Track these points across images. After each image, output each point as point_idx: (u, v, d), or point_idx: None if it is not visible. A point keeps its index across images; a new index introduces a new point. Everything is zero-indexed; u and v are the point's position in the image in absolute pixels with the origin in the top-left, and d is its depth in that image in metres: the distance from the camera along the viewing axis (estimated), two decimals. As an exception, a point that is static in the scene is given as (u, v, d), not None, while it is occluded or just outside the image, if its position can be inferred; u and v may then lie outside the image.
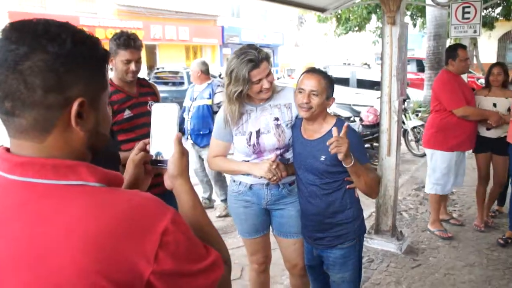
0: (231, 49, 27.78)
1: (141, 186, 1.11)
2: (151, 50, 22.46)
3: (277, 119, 2.32)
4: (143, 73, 16.79)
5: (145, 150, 1.11)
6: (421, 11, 12.93)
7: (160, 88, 11.50)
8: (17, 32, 0.75)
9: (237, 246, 4.01)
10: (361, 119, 6.60)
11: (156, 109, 1.12)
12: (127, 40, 2.54)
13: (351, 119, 7.62)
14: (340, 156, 1.98)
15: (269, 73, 2.23)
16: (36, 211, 0.73)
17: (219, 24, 26.24)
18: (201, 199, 5.27)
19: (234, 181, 2.49)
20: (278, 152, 2.34)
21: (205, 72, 4.76)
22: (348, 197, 2.24)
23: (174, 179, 1.04)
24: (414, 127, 7.66)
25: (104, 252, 0.71)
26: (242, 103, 2.31)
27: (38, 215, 0.73)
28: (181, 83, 11.00)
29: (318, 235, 2.31)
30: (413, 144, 7.78)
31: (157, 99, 2.87)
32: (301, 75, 2.24)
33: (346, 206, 2.24)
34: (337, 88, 9.98)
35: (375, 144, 6.47)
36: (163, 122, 1.10)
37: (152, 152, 1.10)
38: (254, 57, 2.15)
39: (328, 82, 2.18)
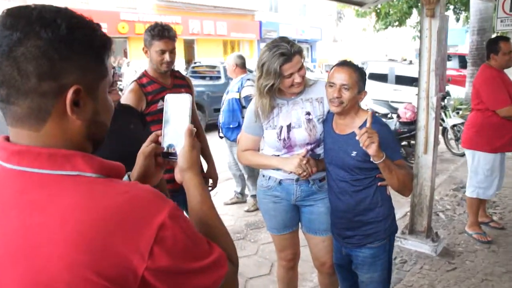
0: (268, 44, 27.72)
1: (151, 179, 1.08)
2: (189, 45, 22.72)
3: (308, 113, 2.27)
4: (181, 67, 17.01)
5: (157, 141, 1.08)
6: (465, 5, 12.44)
7: (197, 82, 11.55)
8: (11, 18, 0.73)
9: (267, 241, 3.98)
10: (398, 116, 6.41)
11: (169, 100, 1.09)
12: (161, 31, 2.55)
13: (388, 115, 7.42)
14: (371, 151, 1.89)
15: (301, 67, 2.18)
16: (32, 201, 0.72)
17: (257, 19, 26.22)
18: (233, 193, 5.30)
19: (263, 175, 2.46)
20: (309, 147, 2.29)
21: (241, 65, 4.72)
22: (380, 194, 2.16)
23: (183, 173, 1.01)
24: (454, 125, 7.39)
25: (95, 245, 0.68)
26: (273, 97, 2.26)
27: (34, 205, 0.71)
28: (218, 78, 11.02)
29: (347, 233, 2.25)
30: (452, 142, 7.51)
31: (191, 92, 2.86)
32: (332, 68, 2.18)
33: (377, 204, 2.16)
34: (375, 84, 9.82)
35: (412, 142, 6.26)
36: (176, 113, 1.08)
37: (164, 144, 1.07)
38: (287, 50, 2.10)
39: (360, 75, 2.11)
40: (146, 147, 1.08)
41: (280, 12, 28.72)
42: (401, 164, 2.08)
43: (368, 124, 1.93)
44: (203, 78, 11.64)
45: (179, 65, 18.07)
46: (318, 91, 2.29)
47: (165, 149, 1.07)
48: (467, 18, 14.14)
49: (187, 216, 0.84)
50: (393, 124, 6.28)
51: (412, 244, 3.79)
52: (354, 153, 2.09)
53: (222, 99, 4.85)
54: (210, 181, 3.05)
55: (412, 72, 10.65)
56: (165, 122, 1.08)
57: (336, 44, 33.43)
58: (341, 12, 30.67)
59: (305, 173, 2.18)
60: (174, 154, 1.05)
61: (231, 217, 4.81)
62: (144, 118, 2.61)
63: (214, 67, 11.55)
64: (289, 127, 2.27)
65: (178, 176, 1.04)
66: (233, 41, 25.18)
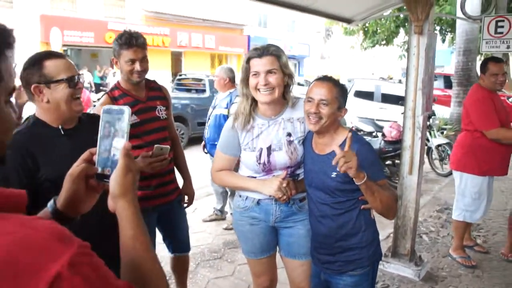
0: (256, 59, 27.73)
1: (82, 205, 0.93)
2: (177, 57, 22.60)
3: (289, 134, 2.15)
4: (167, 79, 16.85)
5: (91, 161, 0.92)
6: (451, 26, 12.57)
7: (182, 94, 11.39)
8: None
9: (244, 262, 3.79)
10: (383, 135, 6.33)
11: (106, 112, 0.93)
12: (129, 39, 2.40)
13: (373, 134, 7.34)
14: (350, 173, 1.77)
15: (273, 73, 2.03)
16: None
17: (245, 33, 26.26)
18: (212, 210, 5.11)
19: (240, 196, 2.31)
20: (289, 170, 2.16)
21: (232, 80, 4.56)
22: (363, 218, 2.02)
23: (115, 200, 0.86)
24: (439, 145, 7.35)
25: None
26: (253, 109, 2.16)
27: None
28: (203, 91, 10.86)
29: (327, 259, 2.10)
30: (437, 162, 7.46)
31: (167, 104, 2.71)
32: (311, 83, 2.05)
33: (360, 229, 2.03)
34: (361, 102, 9.75)
35: (397, 161, 6.17)
36: (113, 128, 0.92)
37: (98, 164, 0.92)
38: (261, 48, 2.04)
39: (340, 91, 1.99)
40: (76, 167, 0.92)
41: (269, 27, 28.84)
42: (384, 185, 1.96)
43: (346, 147, 1.81)
44: (188, 91, 11.50)
45: (165, 77, 17.94)
46: (300, 110, 2.16)
47: (99, 170, 0.91)
48: (452, 39, 14.33)
49: (101, 260, 0.67)
50: (378, 142, 6.19)
51: (395, 268, 3.65)
52: (334, 174, 1.97)
53: (208, 114, 4.68)
54: (186, 198, 2.89)
55: (398, 90, 10.65)
56: (101, 138, 0.93)
57: (324, 61, 33.61)
58: (330, 29, 30.92)
59: (284, 197, 2.06)
60: (110, 177, 0.90)
61: (209, 234, 4.63)
62: None
63: (200, 80, 11.41)
64: (269, 149, 2.13)
65: (110, 203, 0.88)
66: (221, 54, 25.13)
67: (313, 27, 31.07)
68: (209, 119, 4.60)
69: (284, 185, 2.04)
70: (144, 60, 2.47)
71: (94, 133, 1.82)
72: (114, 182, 0.86)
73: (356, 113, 9.28)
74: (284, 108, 2.17)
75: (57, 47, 13.87)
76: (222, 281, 3.61)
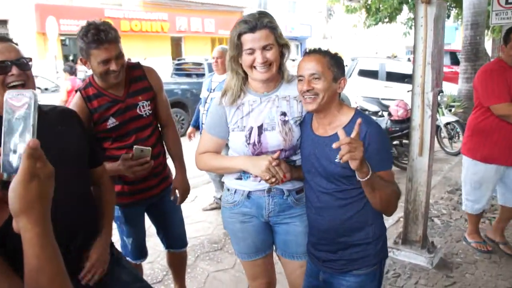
0: (257, 42, 27.33)
1: None
2: (177, 42, 22.25)
3: (284, 113, 1.89)
4: (168, 66, 16.52)
5: None
6: (456, 1, 12.13)
7: (181, 80, 11.15)
8: None
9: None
10: (389, 114, 6.05)
11: (9, 101, 0.71)
12: (97, 35, 1.99)
13: (379, 113, 7.07)
14: (353, 165, 1.52)
15: (269, 48, 1.78)
16: None
17: (245, 16, 25.78)
18: (213, 198, 4.89)
19: (228, 189, 2.07)
20: (283, 154, 1.91)
21: None
22: (370, 210, 1.76)
23: (16, 217, 0.65)
24: (448, 123, 7.07)
25: None
26: (243, 84, 1.91)
27: None
28: (203, 75, 10.58)
29: (328, 256, 1.86)
30: (446, 141, 7.20)
31: (152, 94, 2.35)
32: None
33: (366, 222, 1.78)
34: (365, 81, 9.53)
35: (404, 141, 5.92)
36: (17, 121, 0.70)
37: (4, 169, 0.69)
38: (252, 19, 1.74)
39: (332, 60, 1.74)
40: None
41: (269, 9, 28.29)
42: (388, 179, 1.70)
43: (354, 133, 1.54)
44: (188, 75, 11.23)
45: (166, 63, 17.62)
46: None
47: (5, 177, 0.69)
48: (458, 14, 13.86)
49: None
50: (384, 122, 5.93)
51: (406, 255, 3.42)
52: (338, 159, 1.66)
53: (204, 97, 4.41)
54: (177, 192, 2.58)
55: (403, 68, 10.34)
56: (5, 135, 0.70)
57: (326, 41, 33.03)
58: (331, 8, 30.31)
59: (273, 179, 1.79)
60: None
61: (209, 224, 4.41)
62: (94, 135, 2.19)
63: (199, 64, 11.12)
64: (260, 128, 1.88)
65: (14, 223, 0.66)
66: (221, 38, 24.67)
67: (314, 7, 30.51)
68: (205, 102, 4.34)
69: (274, 164, 1.78)
70: (119, 57, 2.09)
71: (53, 125, 1.63)
72: (12, 193, 0.64)
73: (361, 93, 9.02)
74: (279, 84, 1.93)
75: (53, 37, 13.60)
76: (222, 274, 3.40)
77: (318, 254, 1.90)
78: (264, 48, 1.76)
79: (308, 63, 1.73)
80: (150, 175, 2.36)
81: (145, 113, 2.31)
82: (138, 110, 2.27)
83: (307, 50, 1.80)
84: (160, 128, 2.51)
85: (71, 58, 17.66)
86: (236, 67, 1.87)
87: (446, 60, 14.91)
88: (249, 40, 1.75)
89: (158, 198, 2.48)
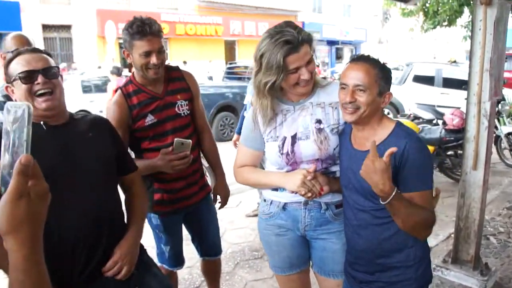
0: (311, 46, 27.13)
1: None
2: (231, 46, 22.52)
3: (319, 121, 1.79)
4: (221, 69, 16.73)
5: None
6: (524, 2, 11.40)
7: (232, 83, 11.23)
8: None
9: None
10: (444, 123, 5.73)
11: (9, 112, 0.67)
12: (141, 26, 2.04)
13: (434, 121, 6.74)
14: (373, 187, 1.44)
15: (310, 61, 1.70)
16: None
17: (299, 20, 25.63)
18: (257, 205, 4.82)
19: (264, 200, 1.98)
20: (319, 165, 1.80)
21: None
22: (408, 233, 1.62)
23: (3, 237, 0.60)
24: (509, 134, 6.62)
25: None
26: (276, 98, 1.80)
27: None
28: (253, 79, 10.62)
29: (365, 277, 1.73)
30: (507, 153, 6.74)
31: (190, 96, 2.34)
32: (346, 65, 1.69)
33: (406, 243, 1.63)
34: (420, 87, 9.15)
35: (459, 151, 5.58)
36: (13, 134, 0.66)
37: (2, 183, 0.64)
38: (293, 37, 1.63)
39: (381, 72, 1.61)
40: None
41: (323, 12, 28.03)
42: (423, 202, 1.55)
43: (385, 157, 1.44)
44: (240, 79, 11.26)
45: (219, 66, 17.83)
46: (333, 94, 1.79)
47: (2, 191, 0.63)
48: (525, 16, 13.03)
49: None
50: (438, 131, 5.63)
51: (456, 276, 3.18)
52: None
53: (249, 102, 4.36)
54: (219, 197, 2.59)
55: (461, 74, 9.83)
56: (4, 147, 0.66)
57: (382, 45, 32.25)
58: (387, 12, 29.54)
59: (309, 194, 1.70)
60: None
61: (252, 231, 4.34)
62: (133, 134, 2.20)
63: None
64: (294, 138, 1.79)
65: (4, 242, 0.60)
66: (275, 42, 24.78)
67: (370, 11, 29.88)
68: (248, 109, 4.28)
69: (309, 178, 1.70)
70: (161, 51, 2.12)
71: (83, 132, 1.63)
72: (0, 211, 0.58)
73: (415, 99, 8.66)
74: (313, 91, 1.83)
75: (111, 40, 14.14)
76: (261, 284, 3.32)
77: (355, 274, 1.78)
78: (307, 63, 1.69)
79: (355, 72, 1.61)
80: (190, 183, 2.36)
81: (183, 112, 2.29)
82: (176, 109, 2.26)
83: (356, 57, 1.69)
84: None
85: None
86: (273, 92, 1.75)
87: (510, 65, 14.08)
88: (294, 60, 1.66)
89: (196, 207, 2.45)
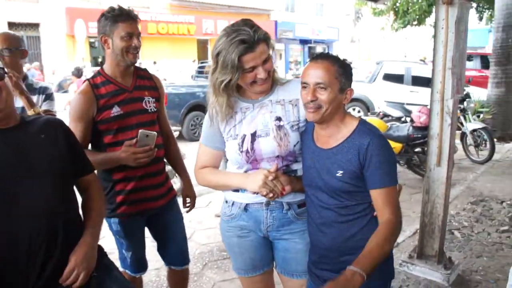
0: (284, 45, 27.26)
1: None
2: (203, 45, 22.37)
3: (279, 118, 1.78)
4: (193, 68, 16.60)
5: None
6: (490, 2, 11.71)
7: (203, 82, 11.16)
8: None
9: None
10: (411, 120, 5.84)
11: None
12: (124, 10, 2.09)
13: (402, 119, 6.86)
14: None
15: (268, 59, 1.69)
16: None
17: (272, 19, 25.73)
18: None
19: (226, 201, 1.97)
20: (280, 162, 1.79)
21: None
22: (375, 227, 1.63)
23: None
24: (474, 130, 6.79)
25: None
26: (232, 96, 1.79)
27: None
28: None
29: (330, 276, 1.71)
30: (472, 149, 6.91)
31: (157, 95, 2.34)
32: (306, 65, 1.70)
33: (370, 240, 1.64)
34: (390, 85, 9.32)
35: (426, 148, 5.69)
36: None
37: None
38: (249, 36, 1.62)
39: (340, 69, 1.62)
40: None
41: (296, 11, 28.15)
42: (391, 198, 1.58)
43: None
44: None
45: (192, 66, 17.70)
46: (293, 92, 1.80)
47: None
48: (491, 16, 13.38)
49: None
50: (406, 129, 5.73)
51: (421, 271, 3.23)
52: (340, 173, 1.63)
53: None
54: (188, 199, 2.56)
55: (429, 72, 10.03)
56: None
57: (354, 44, 32.66)
58: (359, 11, 29.91)
59: (271, 194, 1.69)
60: None
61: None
62: (96, 127, 2.15)
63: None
64: (253, 135, 1.78)
65: None
66: (248, 41, 24.77)
67: (342, 10, 30.19)
68: None
69: (271, 178, 1.69)
70: (139, 36, 2.16)
71: (35, 134, 1.57)
72: None
73: (385, 97, 8.79)
74: (273, 89, 1.83)
75: (81, 39, 13.85)
76: (228, 284, 3.30)
77: (320, 273, 1.78)
78: (264, 62, 1.68)
79: (315, 70, 1.63)
80: (156, 184, 2.32)
81: (150, 109, 2.28)
82: (144, 104, 2.25)
83: (315, 55, 1.69)
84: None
85: (100, 60, 17.97)
86: (229, 90, 1.74)
87: (477, 63, 14.46)
88: (250, 59, 1.65)
89: (160, 211, 2.39)
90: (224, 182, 1.88)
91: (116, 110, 2.16)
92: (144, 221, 2.40)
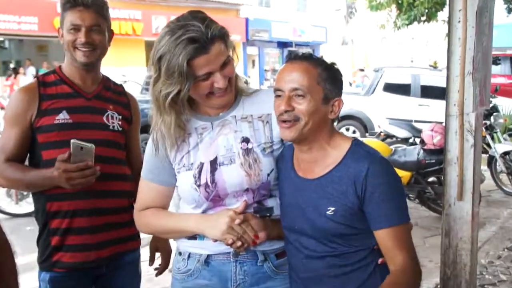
0: (258, 49, 27.72)
1: None
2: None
3: (246, 140, 1.82)
4: (141, 78, 16.59)
5: None
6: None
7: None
8: None
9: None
10: (422, 142, 5.93)
11: None
12: None
13: (410, 140, 6.97)
14: None
15: (227, 63, 1.72)
16: None
17: (242, 16, 26.21)
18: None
19: (180, 253, 1.94)
20: (250, 198, 1.80)
21: None
22: (380, 279, 1.65)
23: None
24: (506, 153, 6.93)
25: None
26: (182, 114, 1.80)
27: None
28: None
29: None
30: (504, 177, 7.06)
31: (128, 114, 2.38)
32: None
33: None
34: (393, 98, 9.50)
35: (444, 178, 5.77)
36: None
37: None
38: (200, 33, 1.64)
39: (325, 72, 1.67)
40: None
41: (272, 6, 28.81)
42: (399, 242, 1.61)
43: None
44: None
45: (139, 75, 17.68)
46: (263, 104, 1.86)
47: None
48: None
49: None
50: (415, 152, 5.83)
51: None
52: (330, 210, 1.65)
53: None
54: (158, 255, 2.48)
55: (443, 81, 10.30)
56: None
57: (347, 47, 33.49)
58: (352, 6, 30.78)
59: (239, 243, 1.69)
60: None
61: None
62: (35, 137, 2.17)
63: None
64: (214, 163, 1.80)
65: None
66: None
67: (331, 4, 30.96)
68: None
69: (238, 221, 1.69)
70: (95, 31, 2.17)
71: None
72: None
73: (387, 113, 8.94)
74: (236, 101, 1.86)
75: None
76: None
77: None
78: (223, 65, 1.71)
79: (291, 73, 1.67)
80: (113, 223, 2.25)
81: (113, 126, 2.30)
82: (104, 118, 2.28)
83: (292, 55, 1.75)
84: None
85: (12, 65, 17.85)
86: (178, 106, 1.75)
87: (506, 68, 14.92)
88: (203, 63, 1.67)
89: (115, 264, 2.30)
90: (175, 227, 1.88)
91: (63, 117, 2.17)
92: (89, 282, 2.29)
